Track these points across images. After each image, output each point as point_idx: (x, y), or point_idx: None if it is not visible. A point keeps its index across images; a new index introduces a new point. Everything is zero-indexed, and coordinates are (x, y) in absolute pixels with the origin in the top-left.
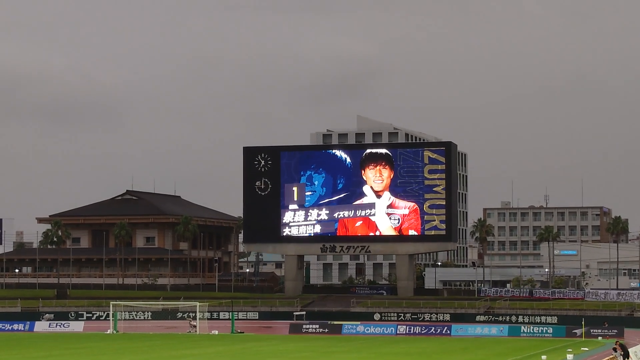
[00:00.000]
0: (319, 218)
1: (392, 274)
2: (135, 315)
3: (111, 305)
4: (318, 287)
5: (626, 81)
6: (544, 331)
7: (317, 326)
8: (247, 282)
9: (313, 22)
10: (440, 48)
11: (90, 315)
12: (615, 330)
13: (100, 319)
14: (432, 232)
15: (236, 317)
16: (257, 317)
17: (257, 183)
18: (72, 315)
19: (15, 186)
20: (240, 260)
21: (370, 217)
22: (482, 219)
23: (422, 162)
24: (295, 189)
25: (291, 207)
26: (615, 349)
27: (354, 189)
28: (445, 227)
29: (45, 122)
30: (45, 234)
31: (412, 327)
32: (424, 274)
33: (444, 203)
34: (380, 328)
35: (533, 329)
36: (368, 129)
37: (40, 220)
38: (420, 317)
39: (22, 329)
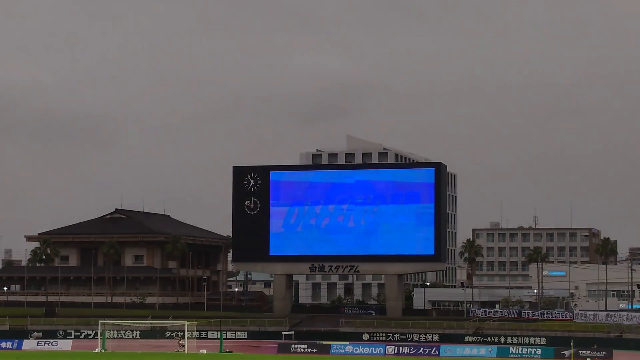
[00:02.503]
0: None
1: (381, 294)
2: (124, 334)
3: (100, 324)
4: (307, 306)
5: (615, 102)
6: (533, 352)
7: (306, 346)
8: (236, 301)
9: (303, 42)
10: (430, 68)
11: (79, 333)
12: (604, 352)
13: (89, 337)
14: (421, 253)
15: (225, 337)
16: (245, 337)
17: (247, 202)
18: (61, 333)
19: (4, 204)
20: (229, 279)
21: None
22: (471, 240)
23: (411, 182)
24: (284, 208)
25: (280, 226)
26: None
27: (344, 208)
28: (434, 247)
29: (35, 141)
30: (34, 252)
31: (401, 348)
32: (413, 294)
33: (433, 223)
34: (369, 348)
35: (522, 350)
36: (358, 149)
37: (29, 238)
38: (408, 338)
39: (10, 347)
